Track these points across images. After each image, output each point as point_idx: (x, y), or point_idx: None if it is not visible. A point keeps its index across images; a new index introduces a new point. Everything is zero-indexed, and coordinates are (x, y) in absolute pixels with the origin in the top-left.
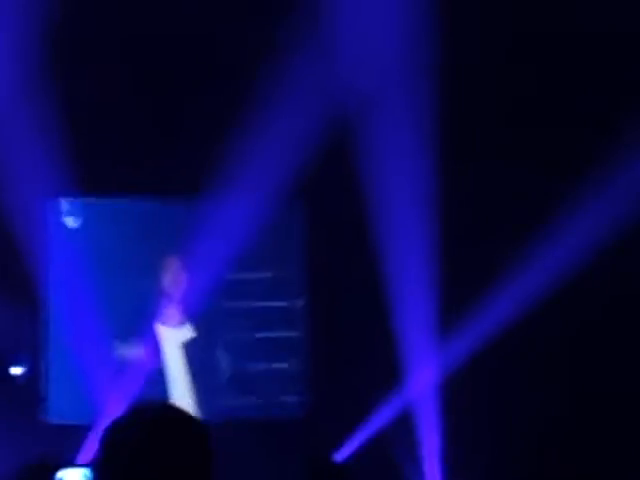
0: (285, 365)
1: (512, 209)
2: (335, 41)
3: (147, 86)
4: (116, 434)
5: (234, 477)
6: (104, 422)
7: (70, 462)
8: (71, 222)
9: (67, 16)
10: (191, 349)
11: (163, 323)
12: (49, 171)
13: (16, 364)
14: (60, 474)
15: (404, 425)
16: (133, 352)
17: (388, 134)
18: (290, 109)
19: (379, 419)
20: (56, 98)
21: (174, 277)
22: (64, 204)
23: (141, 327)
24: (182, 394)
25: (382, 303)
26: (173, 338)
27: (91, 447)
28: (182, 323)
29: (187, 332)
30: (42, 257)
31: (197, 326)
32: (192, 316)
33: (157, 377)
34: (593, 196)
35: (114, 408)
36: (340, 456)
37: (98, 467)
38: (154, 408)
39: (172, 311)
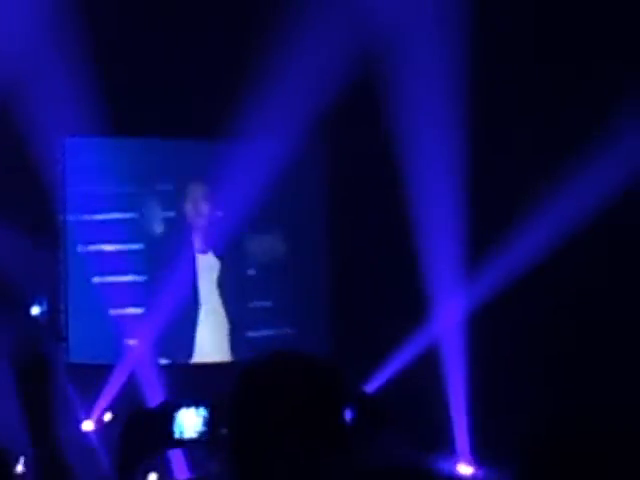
0: (310, 299)
1: (542, 140)
2: None
3: (171, 23)
4: (252, 378)
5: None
6: (125, 362)
7: (186, 402)
8: (89, 160)
9: None
10: (221, 279)
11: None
12: (69, 109)
13: (35, 304)
14: (178, 414)
15: (430, 360)
16: None
17: (414, 71)
18: (315, 45)
19: (405, 355)
20: (81, 35)
21: (196, 205)
22: (83, 142)
23: (163, 260)
24: (214, 326)
25: (408, 239)
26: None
27: (113, 387)
28: (204, 251)
29: (211, 259)
30: (61, 195)
31: (221, 256)
32: (216, 245)
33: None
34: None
35: (136, 347)
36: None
37: (235, 408)
38: (287, 354)
39: (195, 239)
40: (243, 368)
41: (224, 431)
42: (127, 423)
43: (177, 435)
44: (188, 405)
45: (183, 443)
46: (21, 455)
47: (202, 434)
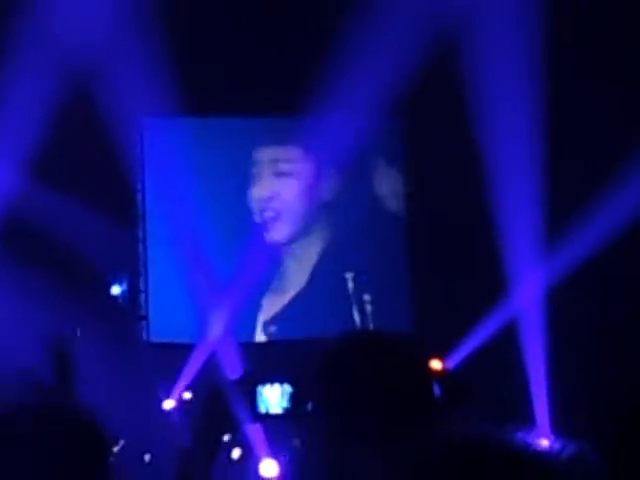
0: (390, 276)
1: (620, 124)
2: None
3: (249, 3)
4: (340, 356)
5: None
6: (206, 340)
7: (270, 378)
8: (167, 139)
9: None
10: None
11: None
12: (146, 90)
13: (116, 283)
14: (264, 389)
15: (510, 335)
16: None
17: (493, 52)
18: (392, 28)
19: (484, 331)
20: (160, 17)
21: (275, 185)
22: (160, 122)
23: (242, 242)
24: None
25: (487, 215)
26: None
27: (193, 366)
28: (283, 230)
29: (290, 237)
30: (140, 175)
31: (301, 233)
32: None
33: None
34: None
35: (216, 325)
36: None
37: (325, 387)
38: (372, 332)
39: (273, 218)
40: (329, 347)
41: (308, 407)
42: (210, 395)
43: (263, 410)
44: (272, 381)
45: (267, 418)
46: (120, 439)
47: (287, 410)
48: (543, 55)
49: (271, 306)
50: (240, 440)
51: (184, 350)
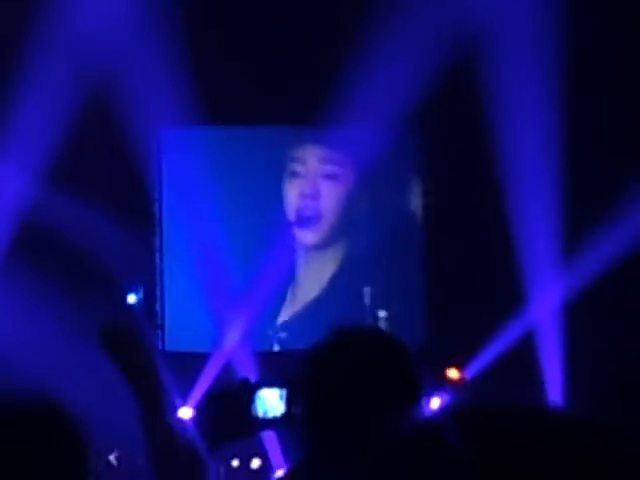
0: (405, 287)
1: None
2: None
3: (266, 13)
4: (323, 357)
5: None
6: (222, 349)
7: (268, 382)
8: (185, 150)
9: None
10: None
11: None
12: (165, 100)
13: (132, 292)
14: (261, 393)
15: (526, 348)
16: None
17: (511, 62)
18: (410, 36)
19: (501, 342)
20: (179, 27)
21: (298, 195)
22: (179, 132)
23: (260, 251)
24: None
25: (503, 226)
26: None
27: (209, 374)
28: (302, 240)
29: (309, 247)
30: (158, 185)
31: (319, 245)
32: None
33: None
34: None
35: (232, 334)
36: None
37: (305, 388)
38: (358, 330)
39: (293, 228)
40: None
41: (297, 410)
42: (206, 404)
43: (261, 414)
44: (270, 385)
45: (266, 424)
46: (115, 448)
47: (284, 414)
48: (561, 66)
49: (285, 314)
50: (259, 450)
51: (200, 359)
